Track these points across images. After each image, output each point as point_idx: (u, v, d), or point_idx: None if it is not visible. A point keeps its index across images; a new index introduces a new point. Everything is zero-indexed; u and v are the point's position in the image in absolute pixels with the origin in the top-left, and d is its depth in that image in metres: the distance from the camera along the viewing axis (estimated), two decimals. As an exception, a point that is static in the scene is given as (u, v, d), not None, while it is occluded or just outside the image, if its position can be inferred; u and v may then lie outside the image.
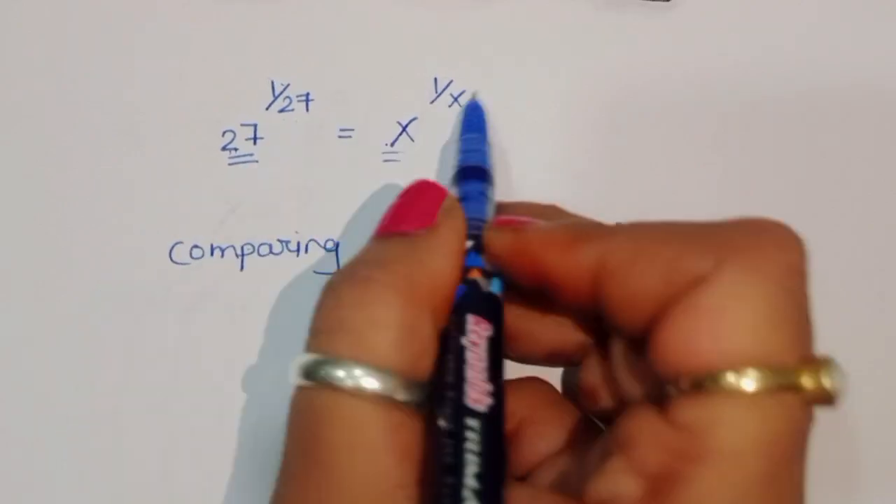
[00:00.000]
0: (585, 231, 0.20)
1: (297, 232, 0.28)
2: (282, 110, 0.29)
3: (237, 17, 0.29)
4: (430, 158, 0.29)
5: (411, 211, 0.22)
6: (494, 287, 0.21)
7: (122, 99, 0.29)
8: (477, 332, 0.20)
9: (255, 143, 0.28)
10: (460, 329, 0.20)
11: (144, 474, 0.28)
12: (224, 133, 0.29)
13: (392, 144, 0.29)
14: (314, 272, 0.28)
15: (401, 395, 0.19)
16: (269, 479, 0.28)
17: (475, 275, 0.21)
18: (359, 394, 0.19)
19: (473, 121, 0.28)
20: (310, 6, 0.29)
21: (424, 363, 0.20)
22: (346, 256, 0.28)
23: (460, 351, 0.20)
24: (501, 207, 0.24)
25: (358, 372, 0.19)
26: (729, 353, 0.18)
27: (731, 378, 0.17)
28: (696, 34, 0.29)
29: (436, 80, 0.29)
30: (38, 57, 0.29)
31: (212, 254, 0.28)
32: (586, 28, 0.29)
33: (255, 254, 0.28)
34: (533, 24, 0.29)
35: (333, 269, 0.28)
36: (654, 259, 0.19)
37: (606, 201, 0.28)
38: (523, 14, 0.29)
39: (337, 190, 0.28)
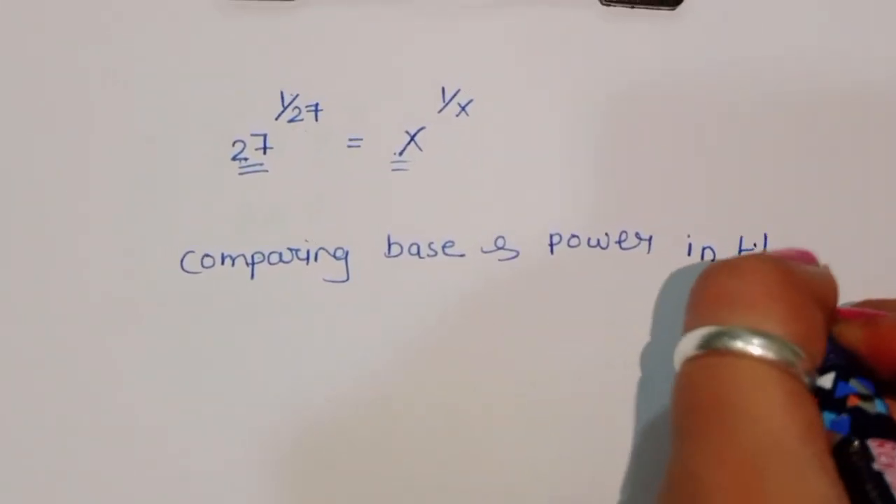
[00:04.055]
0: None
1: (306, 240, 0.29)
2: (291, 120, 0.29)
3: (246, 29, 0.29)
4: (438, 167, 0.29)
5: (790, 253, 0.24)
6: (880, 407, 0.21)
7: (132, 109, 0.29)
8: (885, 454, 0.20)
9: (265, 152, 0.29)
10: (867, 458, 0.20)
11: (156, 482, 0.28)
12: (234, 143, 0.29)
13: (400, 154, 0.29)
14: (324, 280, 0.28)
15: (796, 368, 0.20)
16: (280, 484, 0.28)
17: (854, 402, 0.21)
18: (757, 359, 0.20)
19: None
20: (318, 17, 0.29)
21: (814, 346, 0.21)
22: (355, 265, 0.29)
23: (878, 478, 0.19)
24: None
25: (755, 340, 0.20)
26: None
27: None
28: (701, 42, 0.29)
29: (443, 89, 0.29)
30: (47, 65, 0.29)
31: (222, 262, 0.28)
32: (592, 36, 0.29)
33: (266, 262, 0.28)
34: (539, 33, 0.29)
35: (343, 277, 0.29)
36: None
37: (613, 209, 0.29)
38: (529, 23, 0.29)
39: (346, 199, 0.29)
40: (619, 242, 0.29)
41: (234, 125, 0.29)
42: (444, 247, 0.29)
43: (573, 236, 0.29)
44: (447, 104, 0.29)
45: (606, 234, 0.29)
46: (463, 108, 0.29)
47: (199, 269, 0.28)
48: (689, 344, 0.21)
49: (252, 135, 0.29)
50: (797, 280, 0.22)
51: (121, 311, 0.28)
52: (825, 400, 0.21)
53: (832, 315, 0.23)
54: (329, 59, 0.29)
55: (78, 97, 0.29)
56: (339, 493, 0.28)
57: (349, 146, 0.29)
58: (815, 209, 0.29)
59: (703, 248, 0.29)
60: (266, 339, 0.28)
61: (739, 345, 0.20)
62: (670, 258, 0.29)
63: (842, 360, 0.22)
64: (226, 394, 0.28)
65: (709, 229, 0.29)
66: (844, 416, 0.21)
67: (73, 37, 0.29)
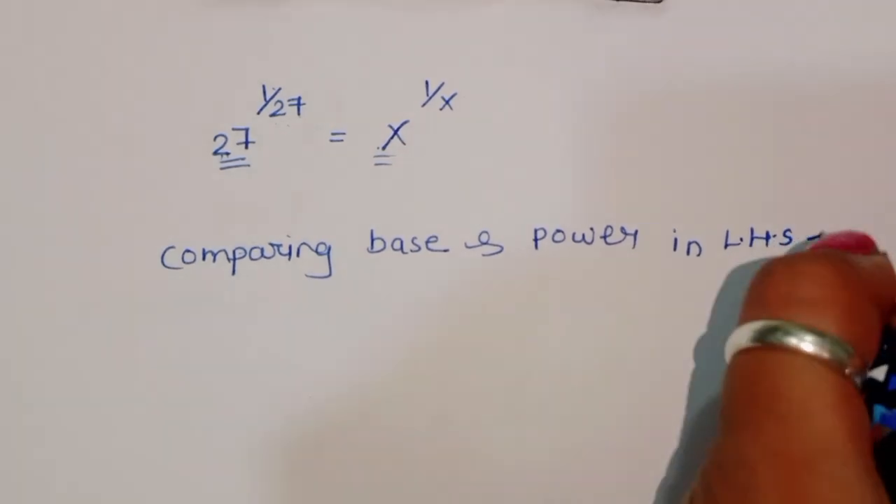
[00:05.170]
0: None
1: (288, 236, 0.28)
2: (273, 114, 0.29)
3: (228, 22, 0.29)
4: (422, 161, 0.29)
5: (848, 240, 0.25)
6: None
7: (112, 104, 0.29)
8: None
9: (246, 147, 0.29)
10: None
11: (139, 480, 0.28)
12: (216, 137, 0.29)
13: (384, 148, 0.29)
14: (306, 276, 0.28)
15: (848, 368, 0.21)
16: (262, 481, 0.28)
17: None
18: (810, 356, 0.21)
19: None
20: (301, 10, 0.29)
21: (867, 345, 0.22)
22: (338, 260, 0.28)
23: None
24: None
25: (809, 338, 0.21)
26: None
27: None
28: (686, 35, 0.29)
29: (427, 82, 0.29)
30: (25, 60, 0.29)
31: (203, 258, 0.28)
32: (577, 29, 0.29)
33: (247, 258, 0.28)
34: (523, 26, 0.29)
35: (325, 272, 0.28)
36: None
37: (598, 203, 0.29)
38: (514, 16, 0.29)
39: (329, 194, 0.29)
40: (605, 237, 0.29)
41: (215, 119, 0.29)
42: (427, 242, 0.29)
43: (558, 231, 0.29)
44: (431, 98, 0.29)
45: (591, 229, 0.29)
46: (447, 102, 0.29)
47: (180, 264, 0.28)
48: (742, 336, 0.22)
49: (234, 129, 0.29)
50: (854, 280, 0.22)
51: (101, 306, 0.28)
52: (877, 392, 0.22)
53: (890, 306, 0.23)
54: (312, 52, 0.29)
55: (57, 91, 0.29)
56: (322, 492, 0.28)
57: (332, 140, 0.29)
58: (800, 203, 0.29)
59: (689, 243, 0.28)
60: (247, 335, 0.28)
61: (793, 341, 0.21)
62: (656, 253, 0.28)
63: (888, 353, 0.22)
64: (207, 389, 0.28)
65: (695, 224, 0.29)
66: None
67: (51, 30, 0.29)
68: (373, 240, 0.28)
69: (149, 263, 0.28)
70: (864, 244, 0.25)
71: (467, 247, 0.29)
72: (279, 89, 0.29)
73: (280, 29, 0.29)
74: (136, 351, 0.28)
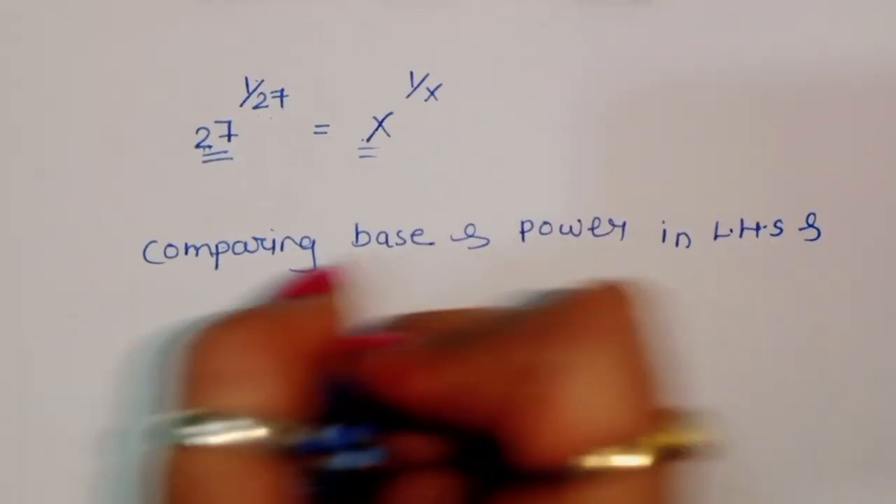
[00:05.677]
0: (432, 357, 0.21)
1: (272, 230, 0.28)
2: (256, 107, 0.28)
3: (210, 13, 0.28)
4: (407, 154, 0.28)
5: (295, 287, 0.25)
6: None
7: (93, 97, 0.28)
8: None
9: (229, 140, 0.28)
10: None
11: (126, 478, 0.27)
12: (198, 130, 0.28)
13: (368, 140, 0.28)
14: (290, 270, 0.28)
15: (276, 440, 0.20)
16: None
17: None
18: (228, 451, 0.19)
19: None
20: (283, 2, 0.29)
21: (301, 408, 0.21)
22: (322, 254, 0.28)
23: None
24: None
25: (223, 426, 0.20)
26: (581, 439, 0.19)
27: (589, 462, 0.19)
28: (676, 29, 0.29)
29: (411, 74, 0.28)
30: (5, 56, 0.28)
31: (186, 252, 0.28)
32: (565, 21, 0.29)
33: (230, 252, 0.28)
34: (510, 17, 0.29)
35: (309, 266, 0.28)
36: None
37: (586, 195, 0.28)
38: (500, 6, 0.29)
39: (313, 186, 0.28)
40: (592, 229, 0.28)
41: (197, 112, 0.28)
42: (412, 235, 0.28)
43: (545, 223, 0.28)
44: (415, 89, 0.28)
45: (579, 221, 0.28)
46: (432, 93, 0.28)
47: (163, 259, 0.28)
48: (161, 431, 0.21)
49: (216, 122, 0.28)
50: (279, 337, 0.21)
51: (83, 301, 0.28)
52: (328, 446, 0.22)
53: (332, 351, 0.23)
54: (295, 44, 0.29)
55: (35, 85, 0.28)
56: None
57: (315, 133, 0.28)
58: (790, 194, 0.28)
59: (678, 234, 0.28)
60: (230, 331, 0.28)
61: (205, 439, 0.20)
62: (644, 244, 0.28)
63: (346, 398, 0.22)
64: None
65: (684, 215, 0.28)
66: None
67: (29, 25, 0.28)
68: (357, 233, 0.28)
69: (131, 258, 0.28)
70: (316, 285, 0.24)
71: (453, 240, 0.28)
72: (262, 81, 0.28)
73: (263, 20, 0.29)
74: (118, 346, 0.28)
